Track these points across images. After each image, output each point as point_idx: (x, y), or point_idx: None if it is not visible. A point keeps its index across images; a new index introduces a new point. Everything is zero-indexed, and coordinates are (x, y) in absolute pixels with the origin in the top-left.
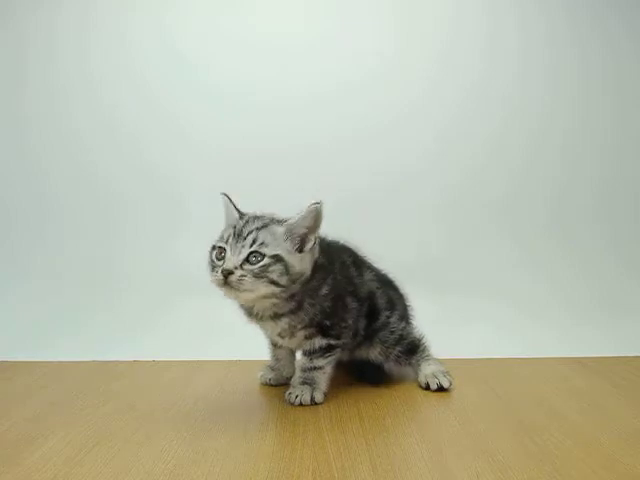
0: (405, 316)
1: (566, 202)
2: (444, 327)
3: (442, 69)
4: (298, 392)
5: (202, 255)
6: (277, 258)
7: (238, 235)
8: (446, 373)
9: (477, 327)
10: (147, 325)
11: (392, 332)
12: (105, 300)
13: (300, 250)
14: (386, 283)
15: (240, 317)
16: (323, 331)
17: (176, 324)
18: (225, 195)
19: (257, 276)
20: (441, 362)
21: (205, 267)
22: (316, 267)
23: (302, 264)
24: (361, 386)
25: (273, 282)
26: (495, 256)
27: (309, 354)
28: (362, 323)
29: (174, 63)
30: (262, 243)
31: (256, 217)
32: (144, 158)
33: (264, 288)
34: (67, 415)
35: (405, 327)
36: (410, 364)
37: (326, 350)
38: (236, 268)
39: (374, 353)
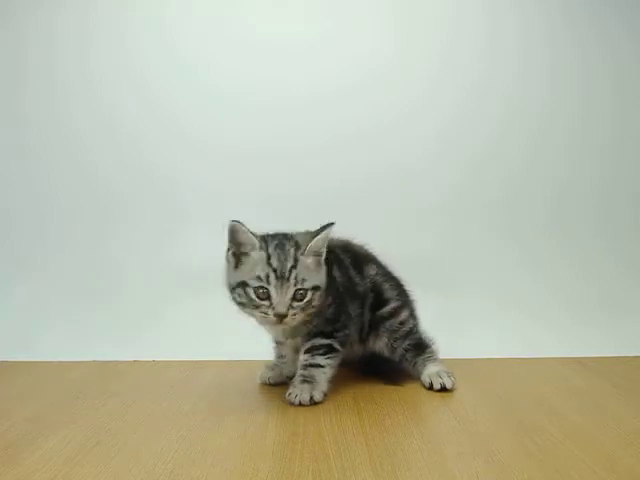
0: (414, 314)
1: (566, 202)
2: (444, 327)
3: (442, 69)
4: (297, 392)
5: (202, 255)
6: (315, 288)
7: (281, 277)
8: (450, 374)
9: (477, 327)
10: (147, 325)
11: (402, 324)
12: (105, 300)
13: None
14: (392, 280)
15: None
16: (325, 335)
17: (176, 324)
18: (238, 222)
19: (304, 310)
20: (443, 362)
21: (207, 271)
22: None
23: (324, 279)
24: (361, 386)
25: (314, 307)
26: (495, 256)
27: (310, 351)
28: (367, 315)
29: (174, 63)
30: (303, 279)
31: (281, 245)
32: (144, 158)
33: (307, 315)
34: (67, 415)
35: (416, 324)
36: (415, 364)
37: (328, 350)
38: (287, 309)
39: (380, 344)
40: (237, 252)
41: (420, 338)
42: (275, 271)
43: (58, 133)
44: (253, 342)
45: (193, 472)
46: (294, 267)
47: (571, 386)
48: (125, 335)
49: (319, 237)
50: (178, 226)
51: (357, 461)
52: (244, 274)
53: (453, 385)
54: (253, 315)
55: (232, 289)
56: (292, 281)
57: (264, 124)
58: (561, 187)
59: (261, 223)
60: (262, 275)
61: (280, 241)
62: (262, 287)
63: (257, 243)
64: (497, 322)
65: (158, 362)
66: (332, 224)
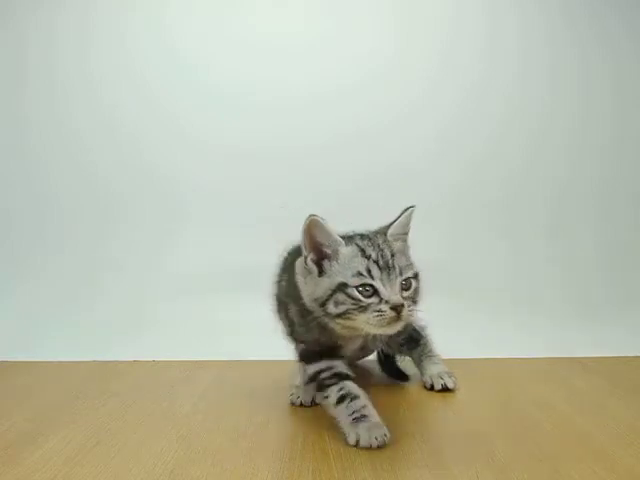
0: None
1: (566, 202)
2: (444, 327)
3: (442, 69)
4: (300, 392)
5: (201, 256)
6: (416, 276)
7: (386, 267)
8: (451, 374)
9: (477, 327)
10: (147, 325)
11: None
12: (105, 300)
13: None
14: None
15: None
16: None
17: (176, 324)
18: (317, 216)
19: (414, 301)
20: (443, 361)
21: (207, 271)
22: None
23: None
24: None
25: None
26: (495, 256)
27: None
28: None
29: (174, 63)
30: (405, 267)
31: (366, 238)
32: (144, 158)
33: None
34: (67, 415)
35: None
36: (410, 356)
37: None
38: (404, 300)
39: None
40: (317, 257)
41: (412, 330)
42: (377, 262)
43: (58, 133)
44: (253, 342)
45: (193, 472)
46: (394, 255)
47: (571, 386)
48: (125, 335)
49: (399, 221)
50: (178, 226)
51: (357, 461)
52: (338, 275)
53: (454, 385)
54: (363, 322)
55: (324, 302)
56: (397, 269)
57: (264, 124)
58: (561, 187)
59: (261, 223)
60: (362, 269)
61: (361, 235)
62: (365, 284)
63: (340, 239)
64: (497, 322)
65: (158, 362)
66: (412, 207)
